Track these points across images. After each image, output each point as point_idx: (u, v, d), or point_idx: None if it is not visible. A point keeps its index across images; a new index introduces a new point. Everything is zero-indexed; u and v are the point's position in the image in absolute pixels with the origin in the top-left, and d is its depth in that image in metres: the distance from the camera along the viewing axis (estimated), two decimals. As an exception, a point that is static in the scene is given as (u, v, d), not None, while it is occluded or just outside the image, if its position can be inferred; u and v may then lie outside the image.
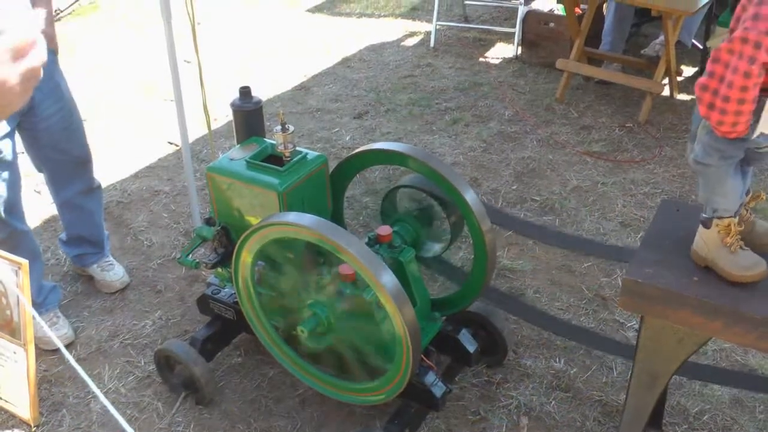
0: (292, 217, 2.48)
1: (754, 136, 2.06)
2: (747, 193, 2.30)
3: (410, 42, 6.51)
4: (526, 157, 4.59)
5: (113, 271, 3.65)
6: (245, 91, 2.98)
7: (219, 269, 2.94)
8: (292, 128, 2.76)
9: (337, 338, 2.62)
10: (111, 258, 3.70)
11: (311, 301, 2.59)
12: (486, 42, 6.37)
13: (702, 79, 2.04)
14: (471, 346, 2.89)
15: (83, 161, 3.39)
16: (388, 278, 2.36)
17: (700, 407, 2.96)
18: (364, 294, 2.48)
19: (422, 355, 2.68)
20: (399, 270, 2.70)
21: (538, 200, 4.17)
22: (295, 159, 2.73)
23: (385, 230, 2.74)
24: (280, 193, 2.60)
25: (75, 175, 3.39)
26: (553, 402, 3.00)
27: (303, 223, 2.42)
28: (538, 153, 4.64)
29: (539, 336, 3.31)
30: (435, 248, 2.92)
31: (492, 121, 5.04)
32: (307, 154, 2.79)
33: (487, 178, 4.37)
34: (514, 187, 4.29)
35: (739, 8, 2.00)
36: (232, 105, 3.00)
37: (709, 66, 2.01)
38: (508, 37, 6.26)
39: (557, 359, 3.19)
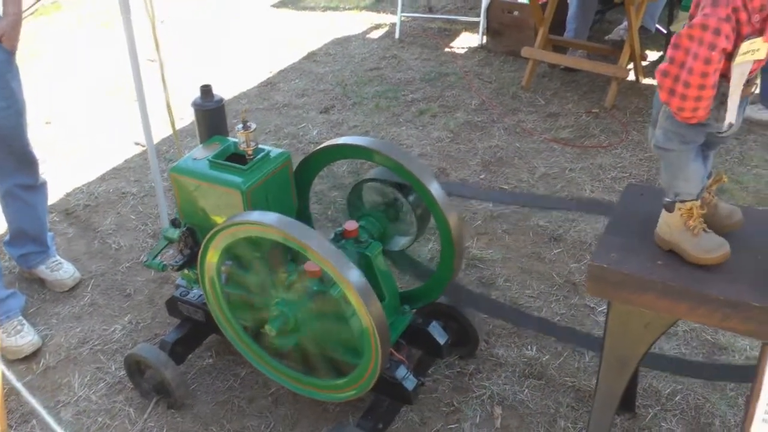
0: (256, 216, 2.47)
1: (724, 127, 2.07)
2: (709, 177, 2.31)
3: (375, 34, 6.49)
4: (493, 146, 4.60)
5: (63, 269, 3.64)
6: (206, 90, 2.96)
7: (186, 271, 2.92)
8: (254, 126, 2.73)
9: (305, 336, 2.61)
10: (58, 257, 3.68)
11: (278, 300, 2.58)
12: (451, 32, 6.37)
13: (663, 65, 2.04)
14: (442, 338, 2.89)
15: (28, 162, 3.39)
16: (354, 274, 2.35)
17: (672, 388, 2.97)
18: (330, 290, 2.47)
19: (393, 350, 2.67)
20: (366, 265, 2.69)
21: (506, 189, 4.17)
22: (258, 157, 2.70)
23: (351, 225, 2.73)
24: (243, 192, 2.58)
25: (18, 170, 3.39)
26: (526, 390, 3.00)
27: (267, 221, 2.41)
28: (506, 141, 4.64)
29: (511, 325, 3.31)
30: (403, 241, 2.91)
31: (459, 111, 5.04)
32: (270, 151, 2.77)
33: (455, 168, 4.37)
34: (482, 177, 4.29)
35: None
36: (194, 104, 2.97)
37: (669, 52, 2.02)
38: (472, 27, 6.26)
39: (529, 347, 3.20)
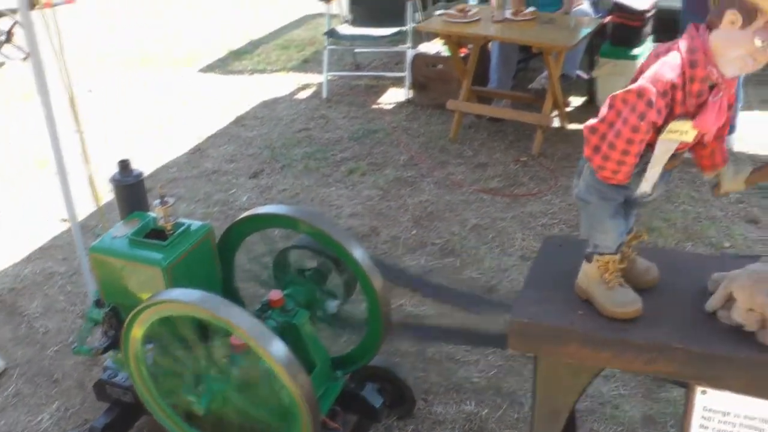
0: (176, 294, 2.43)
1: (637, 193, 2.10)
2: (630, 232, 2.34)
3: (303, 95, 6.53)
4: (423, 201, 4.62)
5: None
6: (124, 165, 2.93)
7: (112, 352, 2.86)
8: (172, 200, 2.70)
9: (235, 410, 2.56)
10: None
11: (205, 376, 2.54)
12: (378, 88, 6.44)
13: (593, 122, 2.07)
14: (377, 402, 2.87)
15: None
16: (277, 347, 2.32)
17: (613, 430, 2.98)
18: (258, 363, 2.44)
19: (326, 418, 2.64)
20: (293, 334, 2.66)
21: (438, 243, 4.19)
22: (177, 231, 2.68)
23: (275, 295, 2.71)
24: (164, 269, 2.55)
25: None
26: (467, 447, 2.99)
27: (186, 299, 2.38)
28: (436, 195, 4.67)
29: (448, 381, 3.29)
30: (330, 306, 2.89)
31: (388, 167, 5.07)
32: (190, 225, 2.74)
33: (386, 226, 4.38)
34: (414, 233, 4.30)
35: (646, 62, 2.04)
36: (112, 180, 2.94)
37: (603, 110, 2.04)
38: (399, 82, 6.34)
39: (468, 402, 3.18)
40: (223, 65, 7.52)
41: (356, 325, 3.48)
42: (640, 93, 1.93)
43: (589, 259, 2.23)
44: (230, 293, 2.95)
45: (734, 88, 2.06)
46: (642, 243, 2.38)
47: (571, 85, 5.82)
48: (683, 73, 1.92)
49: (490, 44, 5.74)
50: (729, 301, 2.19)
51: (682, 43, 1.96)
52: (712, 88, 1.97)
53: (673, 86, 1.92)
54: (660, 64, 1.94)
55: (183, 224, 2.72)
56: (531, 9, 5.33)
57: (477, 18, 5.25)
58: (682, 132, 1.96)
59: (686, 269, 2.42)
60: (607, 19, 5.53)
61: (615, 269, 2.21)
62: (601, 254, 2.20)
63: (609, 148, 1.99)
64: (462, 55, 5.54)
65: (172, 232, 2.67)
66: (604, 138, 2.01)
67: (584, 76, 5.94)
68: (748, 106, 5.55)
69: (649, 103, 1.91)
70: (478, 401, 3.18)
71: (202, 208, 4.74)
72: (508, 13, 5.28)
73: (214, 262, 2.80)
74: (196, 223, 2.77)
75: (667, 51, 1.97)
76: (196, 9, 9.76)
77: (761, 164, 2.22)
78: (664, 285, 2.34)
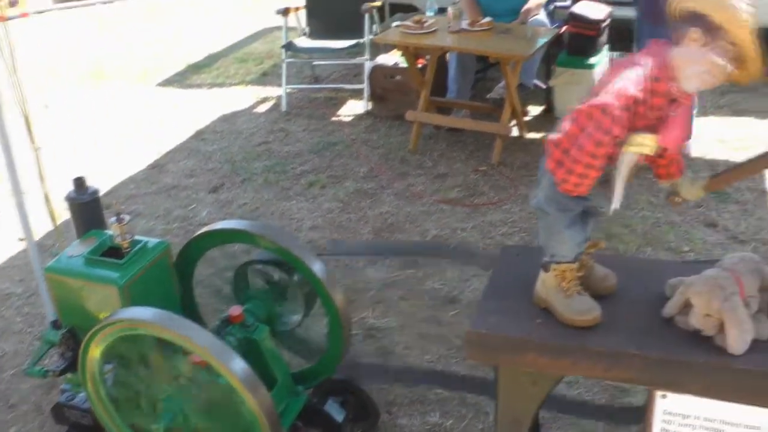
0: (133, 312, 2.41)
1: (611, 210, 2.12)
2: (587, 240, 2.35)
3: (262, 108, 6.52)
4: (384, 213, 4.62)
5: None
6: (80, 183, 2.90)
7: (69, 374, 2.82)
8: (128, 218, 2.69)
9: (196, 429, 2.54)
10: None
11: (164, 396, 2.51)
12: (337, 100, 6.44)
13: (556, 136, 2.09)
14: (339, 416, 2.85)
15: None
16: (238, 364, 2.30)
17: (577, 438, 3.00)
18: (218, 380, 2.42)
19: (288, 434, 2.63)
20: (254, 349, 2.65)
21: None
22: (134, 249, 2.66)
23: (235, 311, 2.69)
24: (120, 288, 2.52)
25: None
26: (432, 459, 2.99)
27: (144, 317, 2.36)
28: (396, 207, 4.67)
29: (412, 393, 3.29)
30: (291, 321, 2.88)
31: (348, 179, 5.07)
32: (147, 242, 2.72)
33: (346, 238, 4.37)
34: (375, 244, 4.30)
35: (607, 74, 2.05)
36: (67, 198, 2.91)
37: (565, 123, 2.06)
38: (358, 94, 6.34)
39: (432, 413, 3.18)
40: (181, 79, 7.48)
41: (317, 341, 3.49)
42: (605, 109, 1.95)
43: (546, 268, 2.25)
44: (189, 310, 2.93)
45: (691, 100, 2.10)
46: (600, 249, 2.41)
47: (528, 95, 5.86)
48: (645, 88, 1.95)
49: (448, 55, 5.77)
50: (686, 307, 2.21)
51: (645, 58, 1.99)
52: (671, 102, 2.00)
53: (636, 101, 1.95)
54: (623, 79, 1.96)
55: (140, 242, 2.70)
56: (487, 19, 5.35)
57: (434, 29, 5.27)
58: (644, 145, 2.00)
59: (644, 275, 2.44)
60: (564, 28, 5.58)
61: (573, 277, 2.22)
62: (558, 263, 2.22)
63: (572, 162, 2.01)
64: (420, 66, 5.56)
65: (128, 249, 2.65)
66: (567, 152, 2.03)
67: (541, 85, 5.99)
68: (704, 112, 5.63)
69: (614, 119, 1.93)
70: (443, 412, 3.18)
71: (162, 225, 4.71)
72: (464, 24, 5.30)
73: (171, 279, 2.78)
74: (153, 241, 2.75)
75: (629, 65, 2.00)
76: (153, 23, 9.70)
77: (717, 172, 2.26)
78: (622, 291, 2.36)
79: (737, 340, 2.07)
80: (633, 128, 1.99)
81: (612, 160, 2.04)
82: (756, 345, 2.11)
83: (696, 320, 2.14)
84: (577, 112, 2.02)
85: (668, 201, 2.23)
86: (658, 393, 2.19)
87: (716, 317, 2.11)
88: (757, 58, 1.91)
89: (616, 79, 1.99)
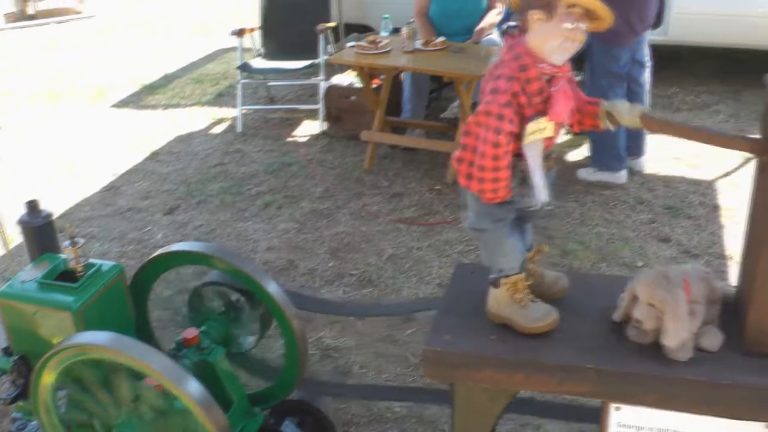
0: (86, 337, 2.39)
1: (539, 204, 2.16)
2: (530, 249, 2.39)
3: (218, 129, 6.51)
4: (340, 233, 4.63)
5: None
6: (32, 206, 2.87)
7: (21, 402, 2.78)
8: (82, 241, 2.66)
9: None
10: None
11: (119, 420, 2.49)
12: (292, 121, 6.46)
13: (457, 153, 2.14)
14: (296, 436, 2.85)
15: None
16: (193, 386, 2.29)
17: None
18: (175, 404, 2.41)
19: (245, 455, 2.62)
20: (209, 371, 2.64)
21: (355, 274, 4.20)
22: (88, 273, 2.63)
23: (190, 333, 2.68)
24: (74, 312, 2.50)
25: None
26: (391, 478, 2.99)
27: (97, 342, 2.34)
28: (352, 227, 4.69)
29: (369, 412, 3.29)
30: (247, 341, 2.87)
31: (304, 200, 5.07)
32: (101, 265, 2.70)
33: (303, 259, 4.37)
34: (331, 264, 4.30)
35: (483, 82, 2.12)
36: (20, 222, 2.88)
37: (462, 139, 2.12)
38: (313, 114, 6.37)
39: (390, 432, 3.19)
40: (136, 100, 7.44)
41: (274, 361, 3.49)
42: (488, 111, 2.02)
43: (496, 284, 2.28)
44: (144, 333, 2.91)
45: (569, 72, 2.15)
46: (545, 254, 2.44)
47: (482, 113, 5.91)
48: (518, 79, 2.02)
49: (402, 74, 5.81)
50: (634, 301, 2.25)
51: (507, 55, 2.06)
52: (550, 80, 2.07)
53: (514, 94, 2.02)
54: (496, 80, 2.03)
55: (94, 265, 2.67)
56: (441, 39, 5.41)
57: (388, 49, 5.31)
58: (541, 130, 2.07)
59: (596, 290, 2.48)
60: (515, 47, 5.63)
61: (524, 287, 2.26)
62: (507, 276, 2.25)
63: (480, 171, 2.06)
64: (375, 86, 5.59)
65: (82, 273, 2.63)
66: (472, 164, 2.08)
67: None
68: (655, 129, 5.71)
69: (500, 117, 2.00)
70: (401, 430, 3.19)
71: (117, 247, 4.67)
72: (418, 44, 5.35)
73: (126, 302, 2.76)
74: (107, 264, 2.73)
75: (496, 67, 2.07)
76: (107, 43, 9.65)
77: (654, 115, 2.28)
78: (575, 306, 2.39)
79: (673, 331, 2.11)
80: (525, 119, 2.05)
81: (521, 156, 2.09)
82: (706, 356, 2.15)
83: (639, 311, 2.17)
84: (466, 125, 2.09)
85: (601, 121, 2.24)
86: (612, 405, 2.22)
87: (658, 308, 2.14)
88: (600, 6, 2.01)
89: (490, 83, 2.06)
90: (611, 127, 2.24)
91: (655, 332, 2.17)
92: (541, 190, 2.12)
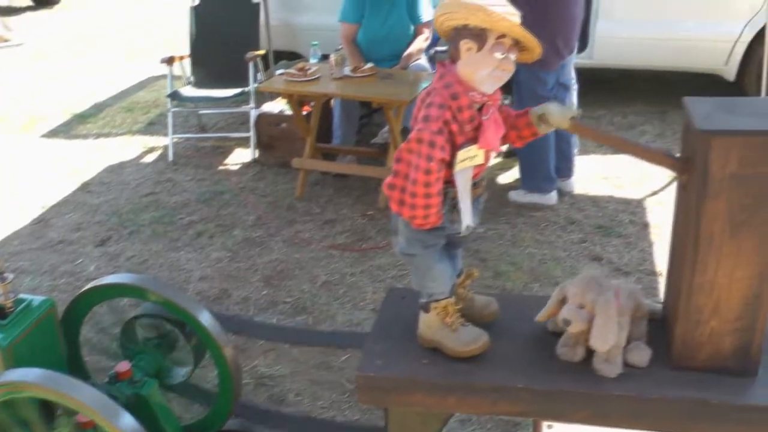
0: (16, 375, 2.37)
1: (463, 230, 2.20)
2: (460, 273, 2.44)
3: (149, 158, 6.46)
4: (273, 260, 4.64)
5: None
6: (-42, 243, 2.84)
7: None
8: (11, 276, 2.64)
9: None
10: None
11: (53, 456, 2.47)
12: (224, 149, 6.45)
13: (389, 179, 2.18)
14: (232, 466, 2.85)
15: None
16: (126, 422, 2.29)
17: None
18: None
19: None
20: (143, 405, 2.63)
21: (289, 302, 4.20)
22: (18, 309, 2.62)
23: (122, 367, 2.67)
24: (3, 349, 2.48)
25: None
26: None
27: (28, 379, 2.32)
28: (285, 254, 4.70)
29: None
30: (181, 373, 2.87)
31: (236, 228, 5.07)
32: (32, 300, 2.69)
33: (236, 288, 4.37)
34: (265, 293, 4.31)
35: (415, 109, 2.17)
36: (-55, 258, 2.84)
37: (393, 166, 2.16)
38: (244, 142, 6.37)
39: (327, 459, 3.20)
40: (66, 130, 7.34)
41: (206, 394, 3.48)
42: (419, 138, 2.07)
43: (426, 308, 2.31)
44: (76, 368, 2.89)
45: (499, 100, 2.22)
46: (475, 278, 2.49)
47: (412, 138, 5.97)
48: (449, 107, 2.08)
49: (332, 101, 5.85)
50: (561, 303, 2.29)
51: (438, 83, 2.12)
52: (481, 109, 2.13)
53: (445, 122, 2.07)
54: (427, 108, 2.09)
55: (24, 300, 2.66)
56: (369, 65, 5.46)
57: (317, 76, 5.34)
58: (472, 157, 2.12)
59: (526, 311, 2.53)
60: (443, 72, 5.72)
61: (454, 311, 2.30)
62: (437, 301, 2.29)
63: (411, 198, 2.10)
64: (305, 113, 5.62)
65: (12, 309, 2.61)
66: (404, 191, 2.13)
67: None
68: (585, 150, 5.85)
69: (431, 144, 2.05)
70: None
71: (48, 281, 4.60)
72: (347, 70, 5.39)
73: (57, 338, 2.74)
74: (38, 299, 2.71)
75: (428, 94, 2.13)
76: (38, 71, 9.50)
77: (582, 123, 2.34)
78: (506, 328, 2.44)
79: (601, 334, 2.16)
80: (456, 147, 2.11)
81: (452, 183, 2.15)
82: (634, 371, 2.22)
83: (568, 311, 2.22)
84: (399, 151, 2.14)
85: (537, 127, 2.28)
86: (545, 423, 2.28)
87: (588, 310, 2.19)
88: (529, 38, 2.08)
89: (422, 111, 2.11)
90: (548, 130, 2.28)
91: (585, 347, 2.22)
92: (467, 216, 2.17)
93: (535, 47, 2.13)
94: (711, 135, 2.02)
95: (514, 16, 2.07)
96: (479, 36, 2.06)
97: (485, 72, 2.09)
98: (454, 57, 2.14)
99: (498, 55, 2.07)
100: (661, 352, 2.30)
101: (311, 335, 3.94)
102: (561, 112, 2.22)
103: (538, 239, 4.76)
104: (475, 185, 2.21)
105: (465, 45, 2.08)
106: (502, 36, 2.06)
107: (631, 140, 2.37)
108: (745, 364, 2.20)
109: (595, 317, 2.17)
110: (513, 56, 2.11)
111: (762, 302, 2.13)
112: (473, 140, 2.12)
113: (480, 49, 2.07)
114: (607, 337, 2.16)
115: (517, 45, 2.11)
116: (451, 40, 2.13)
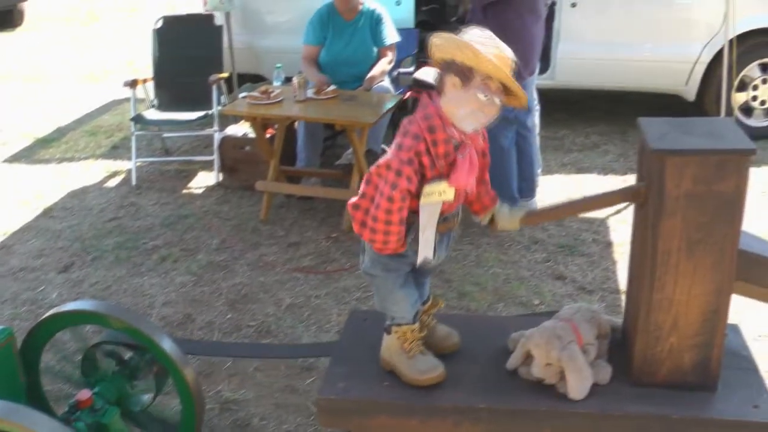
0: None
1: (419, 261, 2.20)
2: (427, 301, 2.44)
3: (113, 182, 6.42)
4: (237, 284, 4.62)
5: None
6: None
7: None
8: (-32, 307, 2.62)
9: None
10: None
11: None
12: (188, 173, 6.43)
13: (355, 199, 2.18)
14: (197, 494, 2.83)
15: None
16: (84, 451, 2.27)
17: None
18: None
19: None
20: (104, 433, 2.61)
21: (254, 325, 4.18)
22: (-24, 338, 2.59)
23: (83, 395, 2.64)
24: (-39, 380, 2.45)
25: None
26: None
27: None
28: (249, 277, 4.68)
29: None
30: (143, 400, 2.85)
31: (200, 252, 5.05)
32: (-10, 329, 2.66)
33: (200, 312, 4.34)
34: (229, 316, 4.28)
35: (397, 135, 2.16)
36: None
37: (362, 186, 2.16)
38: (208, 165, 6.35)
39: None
40: (29, 154, 7.28)
41: (173, 417, 3.45)
42: (389, 165, 2.08)
43: (388, 330, 2.32)
44: (36, 398, 2.85)
45: (481, 140, 2.23)
46: (441, 308, 2.50)
47: (376, 160, 5.97)
48: (425, 140, 2.07)
49: (296, 123, 5.86)
50: (528, 358, 2.33)
51: (420, 113, 2.12)
52: (458, 146, 2.13)
53: (417, 153, 2.07)
54: (403, 135, 2.09)
55: (-19, 330, 2.63)
56: (332, 87, 5.48)
57: (280, 99, 5.35)
58: (440, 192, 2.11)
59: (487, 332, 2.56)
60: (408, 94, 5.76)
61: (414, 338, 2.30)
62: (399, 325, 2.29)
63: (373, 221, 2.11)
64: (269, 135, 5.63)
65: (-30, 339, 2.58)
66: (367, 213, 2.13)
67: (388, 150, 6.13)
68: (549, 170, 5.90)
69: (398, 173, 2.05)
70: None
71: (10, 309, 4.55)
72: (310, 93, 5.40)
73: (16, 367, 2.71)
74: (-5, 328, 2.68)
75: (408, 123, 2.13)
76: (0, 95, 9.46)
77: (535, 210, 2.39)
78: (468, 349, 2.46)
79: (577, 386, 2.20)
80: (425, 180, 2.11)
81: (417, 213, 2.15)
82: (596, 389, 2.24)
83: (538, 370, 2.26)
84: (368, 174, 2.15)
85: (489, 230, 2.33)
86: (505, 444, 2.29)
87: (556, 365, 2.23)
88: (515, 85, 2.07)
89: (398, 137, 2.12)
90: (487, 225, 2.34)
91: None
92: (426, 249, 2.17)
93: (521, 96, 2.11)
94: (665, 154, 2.06)
95: (504, 60, 2.05)
96: (465, 74, 2.04)
97: (466, 111, 2.07)
98: (439, 89, 2.14)
99: (481, 96, 2.05)
100: (622, 369, 2.32)
101: (272, 349, 3.93)
102: (510, 216, 2.28)
103: (502, 259, 4.78)
104: (445, 220, 2.20)
105: (450, 80, 2.07)
106: (488, 77, 2.05)
107: (582, 199, 2.42)
108: (704, 379, 2.23)
109: (565, 372, 2.21)
110: (497, 100, 2.09)
111: (720, 318, 2.16)
112: (445, 176, 2.11)
113: (464, 86, 2.05)
114: (584, 388, 2.20)
115: (504, 89, 2.10)
116: (442, 70, 2.12)
